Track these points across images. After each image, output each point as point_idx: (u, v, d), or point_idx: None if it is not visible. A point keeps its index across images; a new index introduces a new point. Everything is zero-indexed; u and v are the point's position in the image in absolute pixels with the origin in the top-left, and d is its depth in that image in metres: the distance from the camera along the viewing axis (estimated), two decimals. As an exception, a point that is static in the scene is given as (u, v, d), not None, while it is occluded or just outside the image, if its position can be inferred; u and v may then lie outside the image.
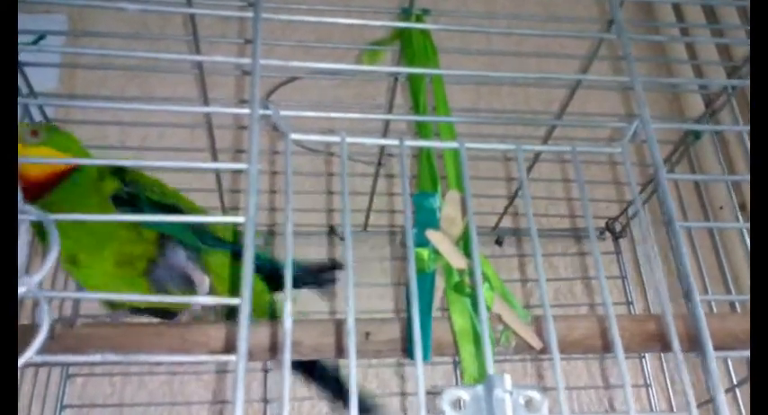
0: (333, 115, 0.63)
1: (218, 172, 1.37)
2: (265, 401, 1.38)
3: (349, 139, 0.60)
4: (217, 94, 1.26)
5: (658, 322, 0.93)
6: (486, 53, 1.72)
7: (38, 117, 1.17)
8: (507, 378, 0.48)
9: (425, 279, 0.82)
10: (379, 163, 1.40)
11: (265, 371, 1.40)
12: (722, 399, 0.47)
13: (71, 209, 0.90)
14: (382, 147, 1.37)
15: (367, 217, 1.55)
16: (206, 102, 1.13)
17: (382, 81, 1.62)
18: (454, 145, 0.62)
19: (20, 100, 0.98)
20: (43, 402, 1.27)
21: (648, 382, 1.46)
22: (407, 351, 0.89)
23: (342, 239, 1.57)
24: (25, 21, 1.67)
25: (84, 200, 0.96)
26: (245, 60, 0.61)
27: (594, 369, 1.51)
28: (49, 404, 1.29)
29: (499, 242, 1.62)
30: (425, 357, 0.86)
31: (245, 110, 0.58)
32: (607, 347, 0.93)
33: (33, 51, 0.88)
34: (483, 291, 0.77)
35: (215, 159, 1.30)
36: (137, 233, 0.98)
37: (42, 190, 0.93)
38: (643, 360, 1.49)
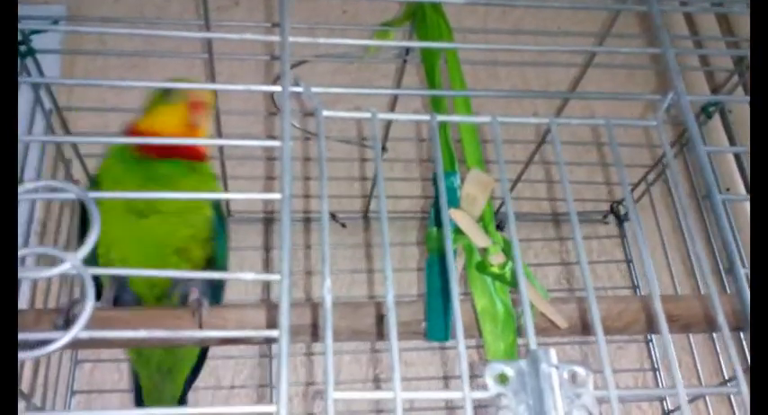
0: (362, 91, 0.62)
1: (223, 159, 1.36)
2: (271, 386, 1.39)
3: (381, 115, 0.59)
4: (221, 80, 1.26)
5: (676, 302, 0.93)
6: (482, 32, 1.71)
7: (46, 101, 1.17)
8: (553, 353, 0.48)
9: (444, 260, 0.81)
10: (383, 148, 1.39)
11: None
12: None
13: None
14: (387, 132, 1.37)
15: (368, 203, 1.55)
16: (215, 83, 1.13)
17: (382, 65, 1.61)
18: (486, 119, 0.61)
19: (29, 80, 0.98)
20: (55, 388, 1.26)
21: (656, 366, 1.47)
22: (426, 332, 0.89)
23: (343, 226, 1.57)
24: (23, 11, 1.66)
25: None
26: (275, 38, 0.61)
27: (598, 352, 1.51)
28: (60, 390, 1.29)
29: (500, 227, 1.61)
30: (447, 338, 0.85)
31: (277, 88, 0.57)
32: (625, 328, 0.92)
33: (48, 29, 0.87)
34: (507, 271, 0.77)
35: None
36: (207, 241, 1.04)
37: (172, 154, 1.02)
38: (650, 344, 1.49)
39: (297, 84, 0.59)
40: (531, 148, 1.39)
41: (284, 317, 0.47)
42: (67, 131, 1.24)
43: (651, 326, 0.93)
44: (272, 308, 0.87)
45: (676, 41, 1.67)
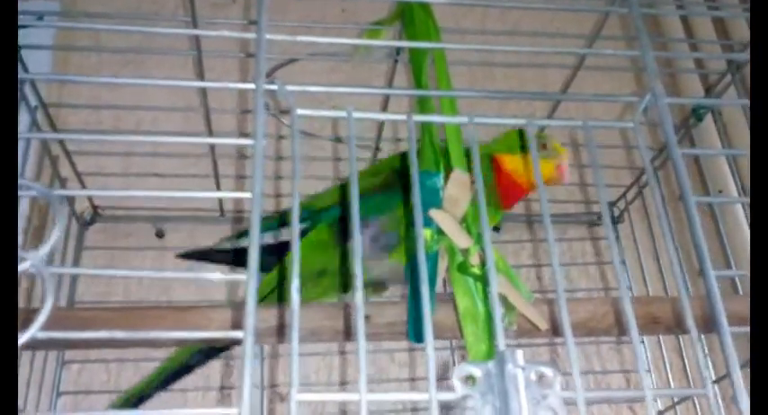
0: (338, 89, 0.62)
1: (215, 158, 1.36)
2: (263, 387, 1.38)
3: (356, 114, 0.59)
4: (212, 78, 1.25)
5: (661, 304, 0.93)
6: (480, 33, 1.71)
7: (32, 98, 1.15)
8: (519, 354, 0.48)
9: (427, 260, 0.81)
10: (377, 148, 1.39)
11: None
12: (738, 374, 0.47)
13: None
14: (380, 132, 1.36)
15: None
16: (202, 80, 1.12)
17: (377, 64, 1.61)
18: (464, 119, 0.60)
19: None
20: (39, 389, 1.25)
21: (647, 367, 1.46)
22: (408, 333, 0.88)
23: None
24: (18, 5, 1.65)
25: None
26: (251, 35, 0.60)
27: (591, 353, 1.51)
28: (46, 391, 1.28)
29: (497, 228, 1.60)
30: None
31: (250, 85, 0.57)
32: (608, 330, 0.92)
33: (33, 25, 0.87)
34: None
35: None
36: None
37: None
38: (642, 345, 1.48)
39: (272, 83, 0.59)
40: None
41: (250, 318, 0.47)
42: (54, 128, 1.22)
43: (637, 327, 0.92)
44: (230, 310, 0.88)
45: (671, 44, 1.67)
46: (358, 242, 0.54)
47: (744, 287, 1.27)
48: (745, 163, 1.41)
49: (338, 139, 1.52)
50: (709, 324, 0.49)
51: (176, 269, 1.42)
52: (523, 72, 1.74)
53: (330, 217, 1.08)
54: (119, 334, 0.44)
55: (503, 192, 1.11)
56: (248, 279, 0.48)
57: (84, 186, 1.39)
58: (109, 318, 0.87)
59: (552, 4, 0.76)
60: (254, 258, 0.49)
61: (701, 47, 1.61)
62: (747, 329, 0.49)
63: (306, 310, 0.89)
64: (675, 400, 1.35)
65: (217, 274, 0.49)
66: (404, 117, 0.60)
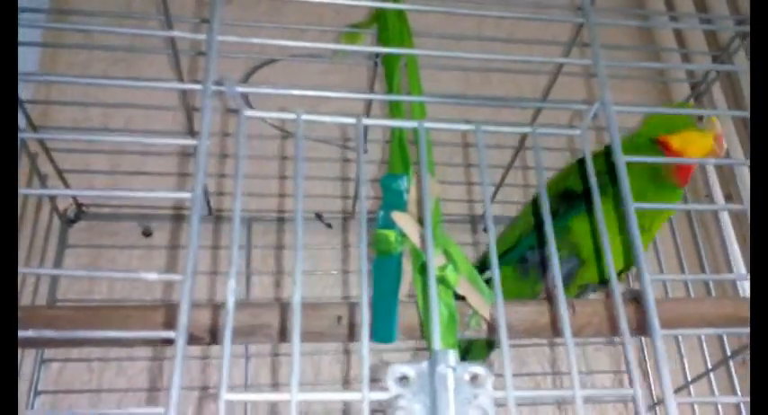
0: (291, 92, 0.62)
1: (197, 157, 1.36)
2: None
3: (305, 117, 0.59)
4: (195, 77, 1.26)
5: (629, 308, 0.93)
6: (474, 39, 1.71)
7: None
8: (452, 354, 0.48)
9: (391, 261, 0.81)
10: (364, 151, 1.38)
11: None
12: (666, 374, 0.47)
13: None
14: (366, 133, 1.36)
15: (354, 204, 1.54)
16: (181, 80, 1.12)
17: (368, 67, 1.61)
18: (413, 124, 0.61)
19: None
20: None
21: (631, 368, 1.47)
22: (372, 334, 0.88)
23: (329, 226, 1.56)
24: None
25: None
26: (201, 36, 0.60)
27: (578, 354, 1.51)
28: (22, 389, 1.26)
29: (486, 229, 1.60)
30: (391, 339, 0.85)
31: (197, 86, 0.57)
32: (577, 332, 0.93)
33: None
34: (447, 273, 0.77)
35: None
36: None
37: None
38: (630, 346, 1.49)
39: (221, 83, 0.59)
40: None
41: (183, 317, 0.47)
42: (32, 125, 1.21)
43: (603, 329, 0.94)
44: (214, 309, 0.88)
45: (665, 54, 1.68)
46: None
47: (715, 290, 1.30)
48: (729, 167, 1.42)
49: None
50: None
51: (168, 270, 1.43)
52: (518, 77, 1.74)
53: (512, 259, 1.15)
54: (48, 333, 0.44)
55: (677, 170, 1.12)
56: (184, 280, 0.48)
57: (65, 183, 1.38)
58: (74, 318, 0.86)
59: (513, 13, 0.76)
60: (191, 259, 0.49)
61: (684, 50, 1.63)
62: (684, 331, 0.49)
63: (274, 309, 0.90)
64: (656, 400, 1.37)
65: (152, 274, 0.49)
66: (353, 120, 0.60)
